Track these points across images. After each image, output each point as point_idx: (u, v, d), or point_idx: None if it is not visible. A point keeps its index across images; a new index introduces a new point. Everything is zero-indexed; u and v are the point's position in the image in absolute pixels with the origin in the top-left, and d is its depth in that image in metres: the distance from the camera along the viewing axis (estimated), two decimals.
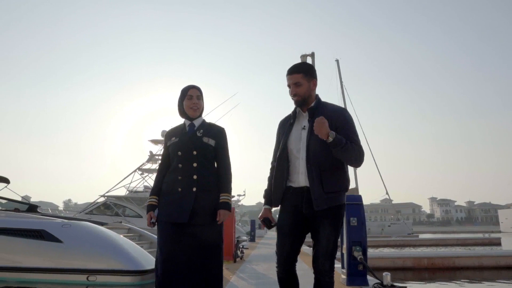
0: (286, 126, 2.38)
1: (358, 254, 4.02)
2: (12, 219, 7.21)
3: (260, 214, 2.39)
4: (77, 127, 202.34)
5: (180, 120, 2.65)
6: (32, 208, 8.83)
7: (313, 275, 2.21)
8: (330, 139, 2.06)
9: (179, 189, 2.42)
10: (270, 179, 2.43)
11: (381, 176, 31.05)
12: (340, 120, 2.21)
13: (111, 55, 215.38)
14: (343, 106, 32.50)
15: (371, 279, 4.24)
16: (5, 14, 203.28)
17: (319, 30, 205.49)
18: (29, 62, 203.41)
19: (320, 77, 2.38)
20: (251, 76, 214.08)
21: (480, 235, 26.29)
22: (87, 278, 6.24)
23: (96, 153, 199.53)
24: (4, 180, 9.84)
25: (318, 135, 2.09)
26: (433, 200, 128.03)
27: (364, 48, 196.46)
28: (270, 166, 2.45)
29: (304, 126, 2.27)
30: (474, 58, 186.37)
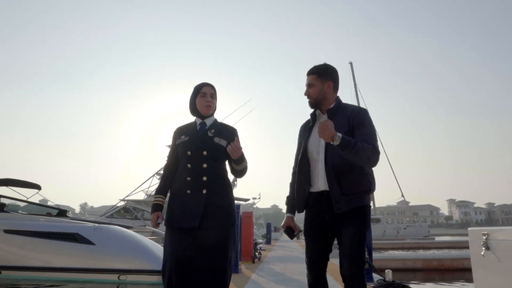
0: (306, 130, 2.34)
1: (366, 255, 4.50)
2: (48, 223, 7.87)
3: (282, 223, 2.33)
4: (90, 130, 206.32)
5: (192, 118, 2.56)
6: (62, 212, 9.50)
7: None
8: (336, 142, 1.98)
9: (188, 191, 2.29)
10: (292, 184, 2.37)
11: (396, 179, 31.09)
12: (357, 120, 2.16)
13: (124, 57, 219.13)
14: None
15: (376, 277, 4.71)
16: (17, 18, 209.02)
17: (333, 32, 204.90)
18: (42, 65, 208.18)
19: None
20: (265, 79, 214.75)
21: None
22: (118, 277, 6.82)
23: (109, 155, 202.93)
24: (36, 186, 10.58)
25: (322, 139, 2.05)
26: (451, 202, 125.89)
27: (378, 49, 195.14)
28: (291, 171, 2.40)
29: None
30: (488, 58, 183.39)
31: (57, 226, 7.78)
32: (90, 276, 6.96)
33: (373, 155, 2.06)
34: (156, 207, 2.39)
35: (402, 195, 31.83)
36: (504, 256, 2.30)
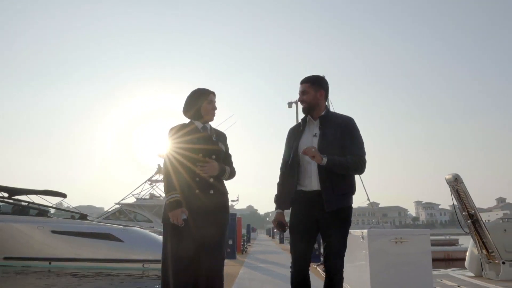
0: (296, 133, 2.49)
1: (315, 245, 7.27)
2: (85, 225, 10.26)
3: (273, 218, 2.46)
4: (66, 129, 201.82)
5: (183, 118, 2.60)
6: (82, 216, 11.72)
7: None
8: (323, 163, 2.23)
9: (197, 191, 2.39)
10: (280, 184, 2.51)
11: (363, 183, 33.72)
12: (348, 129, 2.38)
13: (103, 56, 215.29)
14: None
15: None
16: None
17: (305, 35, 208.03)
18: (18, 62, 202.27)
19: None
20: (242, 79, 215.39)
21: (442, 237, 27.50)
22: (143, 265, 9.33)
23: (84, 155, 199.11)
24: (62, 195, 12.88)
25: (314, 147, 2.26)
26: (418, 203, 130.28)
27: (347, 46, 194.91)
28: (280, 172, 2.53)
29: (316, 134, 2.39)
30: (462, 58, 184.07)
31: (92, 227, 10.10)
32: (121, 265, 9.31)
33: (361, 167, 2.35)
34: (178, 204, 2.31)
35: (368, 199, 34.54)
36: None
